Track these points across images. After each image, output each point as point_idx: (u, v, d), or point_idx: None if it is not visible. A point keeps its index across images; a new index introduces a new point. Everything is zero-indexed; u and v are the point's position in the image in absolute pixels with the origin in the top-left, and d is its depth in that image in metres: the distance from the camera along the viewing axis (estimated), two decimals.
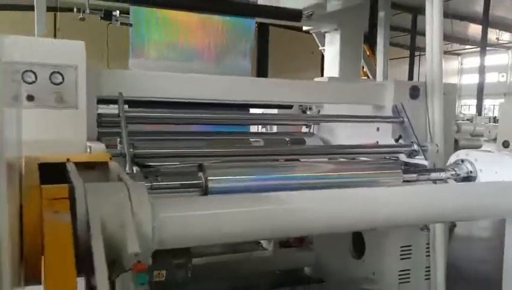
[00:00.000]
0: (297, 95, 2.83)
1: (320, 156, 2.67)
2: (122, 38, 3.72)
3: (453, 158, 2.53)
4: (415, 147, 2.65)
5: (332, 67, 4.25)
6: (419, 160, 2.65)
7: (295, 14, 3.59)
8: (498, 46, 23.20)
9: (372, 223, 1.77)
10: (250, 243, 3.65)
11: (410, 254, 3.04)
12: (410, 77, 16.23)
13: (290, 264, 3.77)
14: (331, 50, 4.24)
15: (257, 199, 1.50)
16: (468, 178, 2.40)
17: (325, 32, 4.30)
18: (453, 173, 2.41)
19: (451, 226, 6.17)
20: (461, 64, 30.08)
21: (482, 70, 16.39)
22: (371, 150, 2.75)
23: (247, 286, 3.50)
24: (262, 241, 3.95)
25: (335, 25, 4.06)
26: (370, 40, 4.61)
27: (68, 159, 1.39)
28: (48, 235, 1.02)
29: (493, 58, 24.50)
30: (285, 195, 1.56)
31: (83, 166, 1.42)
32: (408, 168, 2.51)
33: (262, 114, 3.34)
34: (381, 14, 3.73)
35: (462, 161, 2.44)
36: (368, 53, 5.05)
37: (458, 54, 29.13)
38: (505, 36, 22.03)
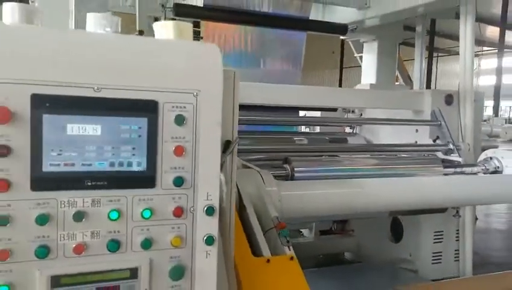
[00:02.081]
0: (349, 100, 3.35)
1: (369, 152, 3.19)
2: None
3: (482, 156, 3.03)
4: (451, 146, 3.14)
5: (369, 73, 4.70)
6: (454, 157, 3.15)
7: (342, 29, 4.08)
8: None
9: (423, 204, 2.28)
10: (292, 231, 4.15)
11: (442, 238, 3.53)
12: (429, 77, 16.45)
13: (332, 249, 4.26)
14: (369, 58, 4.71)
15: (341, 183, 2.02)
16: (496, 172, 2.89)
17: (364, 42, 4.78)
18: (483, 167, 2.91)
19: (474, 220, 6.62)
20: (479, 65, 30.09)
21: (499, 72, 16.54)
22: (413, 148, 3.25)
23: None
24: (302, 230, 4.45)
25: (373, 36, 4.53)
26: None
27: None
28: None
29: (510, 60, 24.56)
30: (358, 181, 2.08)
31: None
32: (445, 162, 3.01)
33: (321, 117, 3.87)
34: (418, 28, 4.20)
35: (491, 158, 2.93)
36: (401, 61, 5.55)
37: (476, 56, 29.25)
38: None
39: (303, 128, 4.89)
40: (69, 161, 0.93)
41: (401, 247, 3.64)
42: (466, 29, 3.30)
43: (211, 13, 3.86)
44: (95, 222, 0.97)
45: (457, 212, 3.34)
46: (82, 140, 0.94)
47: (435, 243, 3.52)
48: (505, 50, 16.72)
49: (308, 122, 3.81)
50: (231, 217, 1.22)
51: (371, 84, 4.12)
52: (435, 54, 19.53)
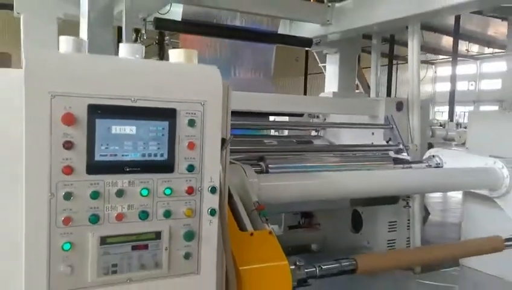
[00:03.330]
0: (314, 107, 3.80)
1: (332, 152, 3.64)
2: None
3: (427, 154, 3.53)
4: (401, 146, 3.64)
5: (332, 81, 5.16)
6: (403, 156, 3.64)
7: (307, 42, 4.53)
8: (468, 57, 24.73)
9: (375, 192, 2.74)
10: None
11: (395, 227, 4.02)
12: (389, 85, 17.24)
13: (300, 241, 4.67)
14: (331, 68, 5.17)
15: (309, 176, 2.44)
16: (437, 167, 3.39)
17: (327, 53, 5.26)
18: (427, 164, 3.40)
19: (426, 214, 7.24)
20: (435, 72, 31.62)
21: (453, 79, 17.57)
22: (369, 148, 3.73)
23: None
24: (272, 226, 4.84)
25: (335, 49, 5.00)
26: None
27: None
28: None
29: (464, 68, 26.04)
30: (323, 173, 2.50)
31: None
32: (396, 160, 3.50)
33: (289, 121, 4.30)
34: (374, 42, 4.70)
35: (434, 156, 3.43)
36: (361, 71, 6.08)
37: (432, 63, 30.75)
38: (473, 48, 23.55)
39: (272, 132, 5.33)
40: (113, 153, 1.29)
41: (361, 236, 4.11)
42: (413, 47, 3.82)
43: (187, 27, 4.23)
44: (130, 198, 1.32)
45: (407, 203, 3.84)
46: (122, 137, 1.29)
47: (389, 231, 4.00)
48: (459, 59, 17.85)
49: (279, 126, 4.22)
50: (225, 197, 1.59)
51: (334, 92, 4.60)
52: (394, 62, 20.49)
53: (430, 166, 3.39)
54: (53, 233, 1.22)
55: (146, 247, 1.35)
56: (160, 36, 4.55)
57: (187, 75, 1.39)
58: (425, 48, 24.74)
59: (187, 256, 1.42)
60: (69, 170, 1.23)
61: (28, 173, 1.19)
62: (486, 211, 3.37)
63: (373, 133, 3.94)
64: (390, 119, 3.77)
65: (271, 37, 4.52)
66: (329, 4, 4.28)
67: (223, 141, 1.52)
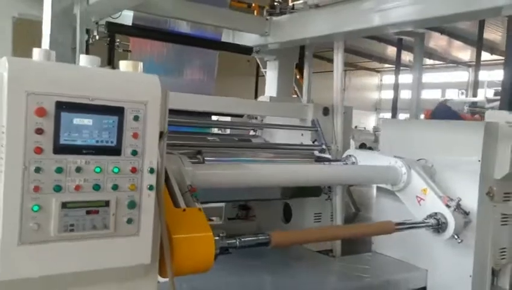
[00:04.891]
0: (251, 109, 4.30)
1: (266, 150, 4.16)
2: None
3: (345, 154, 4.12)
4: (324, 146, 4.21)
5: (271, 86, 5.71)
6: (325, 155, 4.21)
7: (248, 50, 5.04)
8: (410, 67, 26.34)
9: (297, 181, 3.28)
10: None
11: (320, 218, 4.60)
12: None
13: (237, 231, 5.15)
14: (271, 74, 5.69)
15: (236, 165, 2.91)
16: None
17: (267, 60, 5.79)
18: (344, 162, 3.99)
19: (356, 211, 8.00)
20: (381, 80, 33.23)
21: (396, 87, 18.65)
22: (297, 147, 4.27)
23: None
24: (213, 218, 5.31)
25: (274, 56, 5.54)
26: (300, 68, 6.14)
27: None
28: None
29: (407, 77, 27.65)
30: (248, 164, 2.99)
31: None
32: (318, 158, 4.06)
33: (230, 121, 4.78)
34: (307, 53, 5.27)
35: (350, 155, 4.03)
36: (298, 76, 6.66)
37: (378, 71, 32.41)
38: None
39: (216, 130, 5.79)
40: (74, 139, 1.69)
41: (291, 226, 4.65)
42: (338, 60, 4.41)
43: (137, 31, 4.60)
44: (86, 173, 1.73)
45: (328, 197, 4.43)
46: (81, 127, 1.70)
47: (315, 222, 4.57)
48: (401, 68, 19.06)
49: (220, 125, 4.69)
50: (161, 177, 2.03)
51: (271, 97, 5.13)
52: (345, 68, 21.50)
53: (346, 164, 3.98)
54: (25, 197, 1.61)
55: (97, 212, 1.76)
56: (111, 38, 4.88)
57: (133, 82, 1.82)
58: (371, 57, 26.21)
59: (129, 221, 1.84)
60: (39, 150, 1.62)
61: (7, 151, 1.58)
62: (392, 204, 4.01)
63: (302, 134, 4.50)
64: (316, 122, 4.33)
65: (214, 44, 4.99)
66: (268, 17, 4.81)
67: (161, 133, 1.95)
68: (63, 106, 1.65)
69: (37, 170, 1.62)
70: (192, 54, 5.00)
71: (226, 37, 5.33)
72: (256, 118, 5.05)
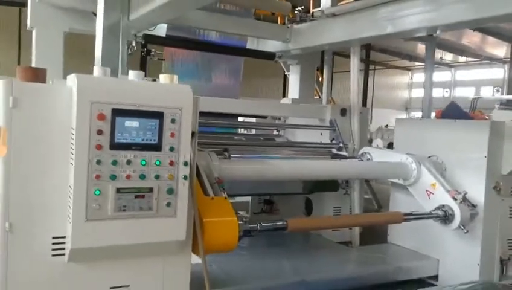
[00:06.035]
0: (273, 111, 4.71)
1: (286, 147, 4.55)
2: None
3: (360, 152, 4.45)
4: (341, 145, 4.55)
5: (294, 89, 6.06)
6: (342, 153, 4.55)
7: (271, 55, 5.45)
8: (442, 64, 25.93)
9: (313, 175, 3.66)
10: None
11: (340, 211, 4.91)
12: (365, 86, 17.89)
13: None
14: (293, 77, 6.03)
15: (259, 161, 3.32)
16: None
17: (289, 64, 6.15)
18: (360, 159, 4.33)
19: (379, 207, 8.21)
20: (411, 78, 32.76)
21: (428, 85, 18.41)
22: (316, 145, 4.64)
23: None
24: (240, 212, 5.72)
25: (296, 61, 5.90)
26: (322, 70, 6.46)
27: None
28: None
29: (439, 75, 27.23)
30: (269, 160, 3.40)
31: None
32: (335, 155, 4.42)
33: (254, 122, 5.20)
34: (326, 57, 5.61)
35: (365, 153, 4.36)
36: (320, 78, 7.00)
37: (408, 70, 31.99)
38: (447, 56, 24.72)
39: (242, 130, 6.22)
40: (125, 137, 2.14)
41: None
42: (354, 63, 4.74)
43: (171, 42, 5.08)
44: (135, 166, 2.18)
45: (346, 191, 4.75)
46: (130, 129, 2.15)
47: (334, 215, 4.90)
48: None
49: (245, 126, 5.13)
50: (193, 169, 2.46)
51: (293, 99, 5.51)
52: (371, 66, 21.34)
53: (362, 160, 4.32)
54: (89, 184, 2.08)
55: (143, 196, 2.21)
56: (147, 48, 5.41)
57: (171, 91, 2.26)
58: (401, 55, 26.00)
59: (168, 204, 2.28)
60: (99, 147, 2.08)
61: (76, 148, 2.04)
62: (405, 199, 4.30)
63: (321, 134, 4.85)
64: (334, 122, 4.68)
65: (240, 51, 5.43)
66: (289, 26, 5.20)
67: (193, 133, 2.38)
68: (117, 112, 2.11)
69: (98, 162, 2.08)
70: (220, 61, 5.44)
71: (251, 43, 5.74)
72: (279, 119, 5.43)
